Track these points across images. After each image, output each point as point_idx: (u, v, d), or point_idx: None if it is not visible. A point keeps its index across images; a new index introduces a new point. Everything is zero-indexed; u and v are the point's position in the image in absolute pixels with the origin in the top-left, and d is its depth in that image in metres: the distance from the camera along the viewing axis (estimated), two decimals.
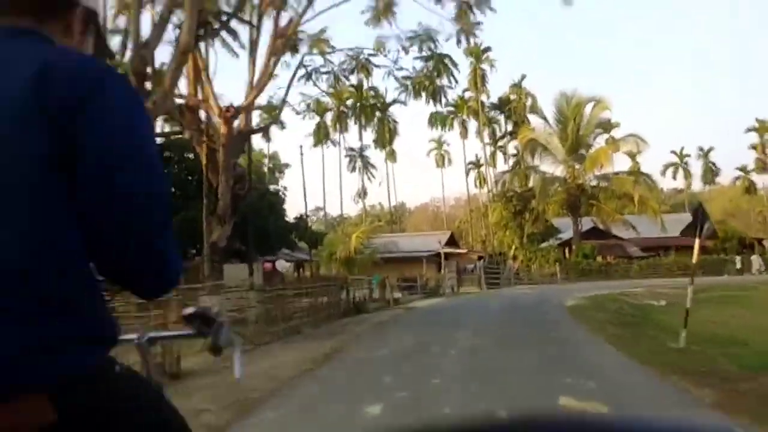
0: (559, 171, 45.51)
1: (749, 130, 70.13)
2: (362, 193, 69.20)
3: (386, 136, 60.31)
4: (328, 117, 60.46)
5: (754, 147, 71.07)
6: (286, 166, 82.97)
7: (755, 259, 42.21)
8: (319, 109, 57.33)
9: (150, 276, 1.11)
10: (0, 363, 0.95)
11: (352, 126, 62.31)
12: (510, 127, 60.32)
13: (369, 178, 69.62)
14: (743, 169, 73.92)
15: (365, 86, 51.23)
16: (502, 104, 58.87)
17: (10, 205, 0.99)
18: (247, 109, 13.45)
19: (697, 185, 77.86)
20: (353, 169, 68.98)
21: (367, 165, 68.33)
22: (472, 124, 64.64)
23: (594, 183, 44.91)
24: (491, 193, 52.30)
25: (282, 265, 36.52)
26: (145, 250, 1.07)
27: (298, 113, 18.64)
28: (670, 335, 11.58)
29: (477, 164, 76.62)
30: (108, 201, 1.03)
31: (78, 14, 1.18)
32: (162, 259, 1.10)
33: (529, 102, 57.27)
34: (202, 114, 13.79)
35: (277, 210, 18.16)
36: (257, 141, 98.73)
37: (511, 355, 9.12)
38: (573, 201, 44.27)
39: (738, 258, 42.59)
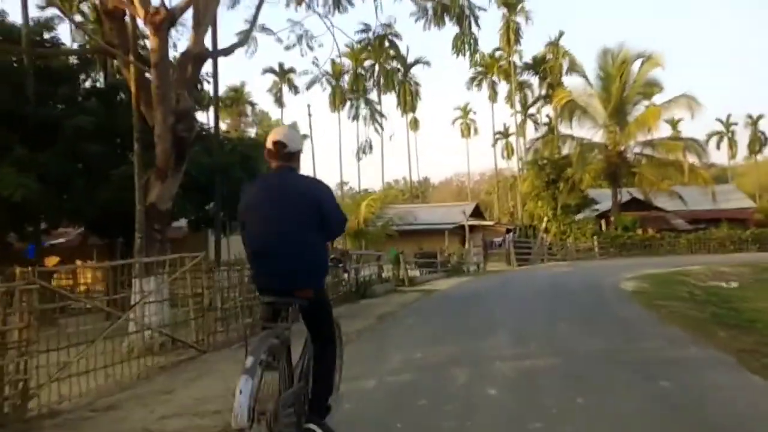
0: (597, 137, 40.69)
1: None
2: (367, 148, 57.87)
3: (408, 100, 55.42)
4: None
5: None
6: (304, 136, 78.95)
7: None
8: (335, 71, 52.87)
9: (336, 236, 4.19)
10: (307, 280, 3.67)
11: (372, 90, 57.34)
12: (543, 91, 55.16)
13: (377, 129, 58.90)
14: None
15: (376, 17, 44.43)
16: (536, 64, 53.54)
17: (308, 229, 3.68)
18: (185, 11, 9.18)
19: (742, 155, 71.96)
20: (355, 117, 58.17)
21: (374, 113, 57.56)
22: (502, 88, 59.67)
23: (637, 150, 40.00)
24: (522, 160, 47.49)
25: None
26: (339, 233, 4.00)
27: (287, 48, 14.05)
28: None
29: (505, 134, 71.87)
30: (337, 225, 3.84)
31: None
32: (341, 231, 4.02)
33: (566, 63, 51.92)
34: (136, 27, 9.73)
35: (253, 165, 14.07)
36: (272, 109, 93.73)
37: (599, 402, 4.89)
38: (613, 169, 39.46)
39: None
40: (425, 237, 29.76)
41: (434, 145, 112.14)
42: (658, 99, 40.68)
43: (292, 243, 3.59)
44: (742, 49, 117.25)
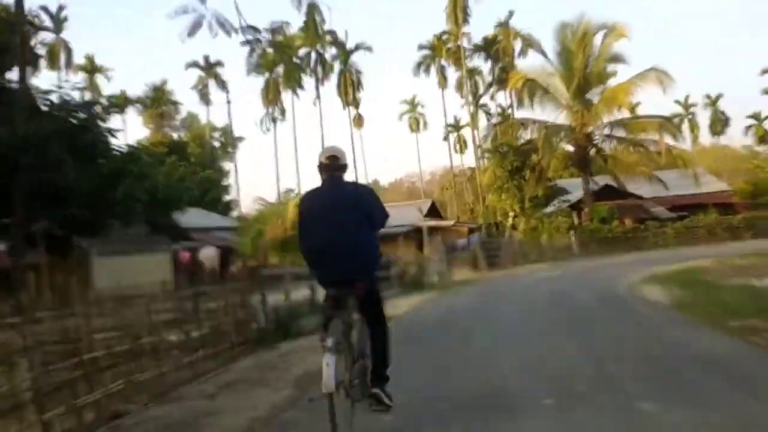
0: (561, 119, 37.04)
1: (765, 71, 62.15)
2: (278, 113, 49.49)
3: (349, 91, 50.65)
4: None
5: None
6: (240, 139, 73.38)
7: None
8: (266, 63, 47.71)
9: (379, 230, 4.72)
10: (363, 273, 4.44)
11: (309, 81, 51.94)
12: (496, 76, 51.39)
13: (295, 91, 49.45)
14: (756, 116, 66.23)
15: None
16: (487, 45, 49.62)
17: (361, 228, 4.44)
18: None
19: (705, 138, 69.94)
20: (261, 69, 47.74)
21: (294, 70, 48.36)
22: (452, 75, 55.70)
23: (607, 131, 36.45)
24: (480, 148, 43.28)
25: (207, 254, 27.00)
26: (381, 227, 4.70)
27: None
28: None
29: (457, 126, 68.33)
30: (381, 221, 4.65)
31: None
32: (383, 226, 4.74)
33: (519, 45, 48.38)
34: None
35: (93, 143, 9.21)
36: (196, 108, 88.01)
37: None
38: (582, 154, 35.86)
39: None
40: None
41: (382, 145, 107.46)
42: (624, 75, 37.48)
43: (349, 242, 4.34)
44: (695, 27, 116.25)
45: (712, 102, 67.47)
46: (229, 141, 72.45)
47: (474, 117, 56.79)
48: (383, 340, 4.59)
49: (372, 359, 4.54)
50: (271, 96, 48.13)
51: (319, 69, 48.38)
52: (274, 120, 48.83)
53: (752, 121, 66.55)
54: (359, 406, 4.37)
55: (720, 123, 67.32)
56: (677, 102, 64.34)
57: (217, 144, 70.29)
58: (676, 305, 10.40)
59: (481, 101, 61.54)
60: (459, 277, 24.03)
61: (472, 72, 54.95)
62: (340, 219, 4.35)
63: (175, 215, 35.24)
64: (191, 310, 10.18)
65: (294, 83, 47.40)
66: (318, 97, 50.64)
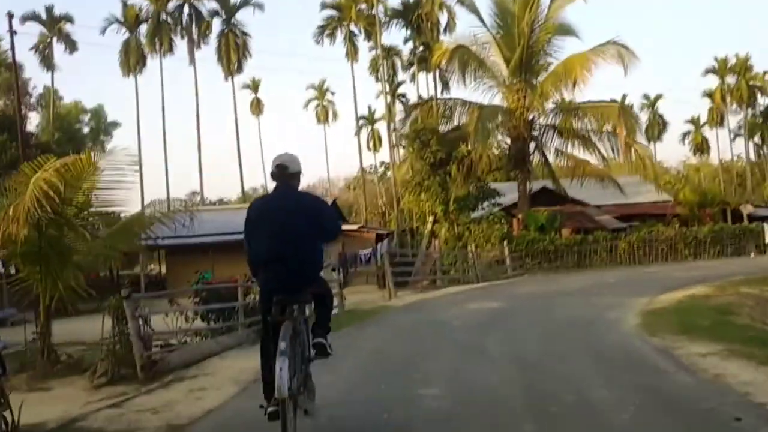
0: (497, 102, 31.11)
1: (707, 71, 59.23)
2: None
3: (232, 59, 42.65)
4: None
5: (709, 95, 60.29)
6: (114, 125, 63.68)
7: None
8: (129, 16, 39.38)
9: (334, 239, 5.29)
10: (310, 280, 4.73)
11: (180, 43, 43.44)
12: (418, 54, 45.08)
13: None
14: (695, 122, 63.40)
15: None
16: (407, 11, 42.92)
17: (307, 237, 4.65)
18: None
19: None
20: None
21: None
22: (363, 49, 49.16)
23: (551, 121, 30.85)
24: (395, 133, 36.44)
25: None
26: (336, 236, 5.17)
27: None
28: None
29: (371, 119, 62.02)
30: (333, 231, 5.01)
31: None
32: (338, 234, 5.19)
33: (444, 19, 42.23)
34: None
35: None
36: (38, 74, 77.44)
37: None
38: (521, 147, 29.99)
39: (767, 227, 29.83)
40: (232, 255, 16.39)
41: (288, 140, 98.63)
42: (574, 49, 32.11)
43: (296, 251, 4.57)
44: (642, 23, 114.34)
45: (651, 103, 64.08)
46: (101, 127, 62.72)
47: (391, 107, 50.37)
48: (328, 302, 5.09)
49: (318, 313, 4.96)
50: (133, 59, 39.75)
51: (194, 28, 40.44)
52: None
53: (690, 127, 63.75)
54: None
55: (657, 127, 63.98)
56: (613, 101, 60.11)
57: (86, 129, 60.69)
58: None
59: (400, 90, 55.48)
60: (356, 302, 17.16)
61: (389, 51, 48.55)
62: (288, 229, 4.60)
63: None
64: None
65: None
66: (192, 63, 42.29)
